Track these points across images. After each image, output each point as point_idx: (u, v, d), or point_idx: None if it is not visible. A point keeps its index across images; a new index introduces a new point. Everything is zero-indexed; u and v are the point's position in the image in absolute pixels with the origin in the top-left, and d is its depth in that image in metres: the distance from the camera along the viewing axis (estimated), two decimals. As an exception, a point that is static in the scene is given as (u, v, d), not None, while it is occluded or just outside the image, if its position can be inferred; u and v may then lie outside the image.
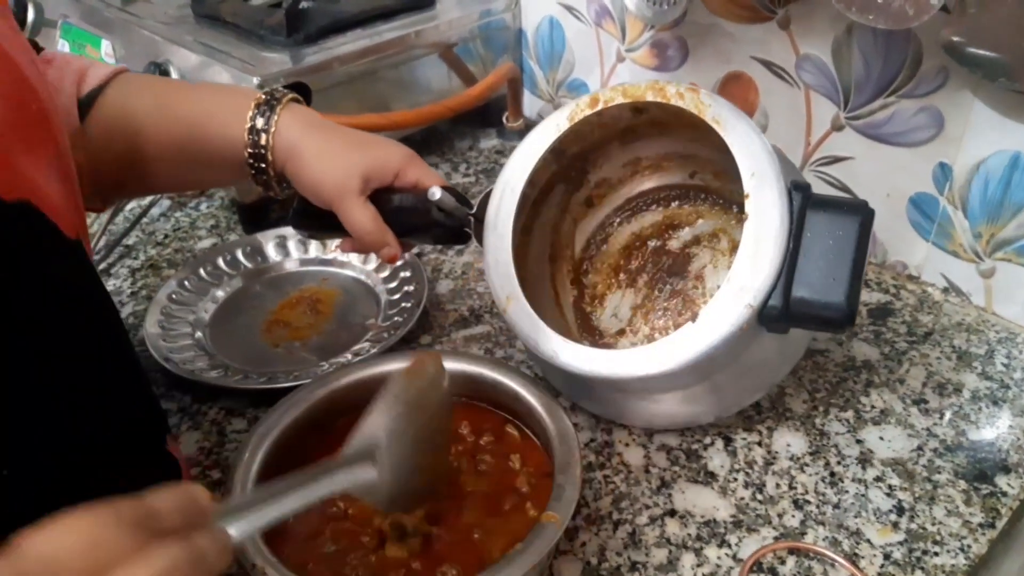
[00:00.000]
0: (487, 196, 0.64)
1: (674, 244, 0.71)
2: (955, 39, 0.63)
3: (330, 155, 0.60)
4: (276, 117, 0.59)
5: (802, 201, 0.54)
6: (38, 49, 0.56)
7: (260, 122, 0.59)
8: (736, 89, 0.87)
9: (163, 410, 0.61)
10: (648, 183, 0.72)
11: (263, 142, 0.59)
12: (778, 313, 0.52)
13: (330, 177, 0.60)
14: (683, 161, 0.70)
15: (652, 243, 0.72)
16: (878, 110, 0.76)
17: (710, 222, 0.70)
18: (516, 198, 0.63)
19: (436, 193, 0.61)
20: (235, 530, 0.34)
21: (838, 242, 0.53)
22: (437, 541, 0.50)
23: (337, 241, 0.84)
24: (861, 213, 0.53)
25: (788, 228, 0.53)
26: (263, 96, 0.60)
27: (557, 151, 0.65)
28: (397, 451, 0.43)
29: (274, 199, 0.90)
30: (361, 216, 0.60)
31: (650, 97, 0.60)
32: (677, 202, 0.71)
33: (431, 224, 0.64)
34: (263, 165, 0.60)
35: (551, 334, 0.58)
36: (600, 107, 0.62)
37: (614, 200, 0.73)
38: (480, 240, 0.64)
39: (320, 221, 0.63)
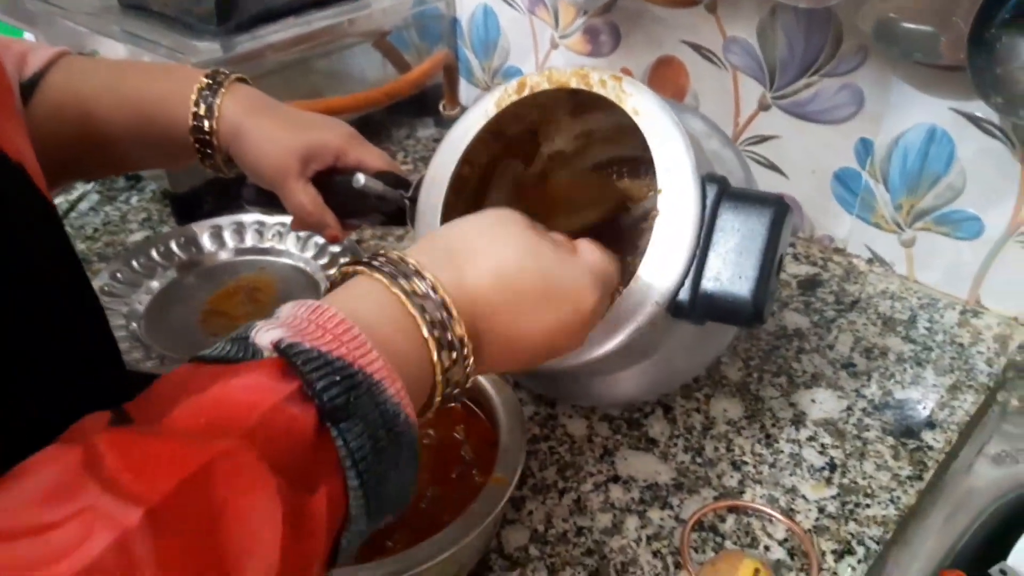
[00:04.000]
0: (421, 180, 0.65)
1: (626, 220, 0.72)
2: (890, 15, 0.65)
3: (270, 138, 0.60)
4: (219, 101, 0.59)
5: (716, 195, 0.53)
6: None
7: (203, 108, 0.59)
8: (667, 73, 0.89)
9: (131, 381, 0.60)
10: (602, 155, 0.72)
11: (207, 127, 0.59)
12: (686, 309, 0.52)
13: (270, 160, 0.59)
14: (636, 133, 0.71)
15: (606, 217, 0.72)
16: (802, 89, 0.79)
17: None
18: (446, 182, 0.63)
19: (360, 180, 0.61)
20: None
21: (747, 237, 0.52)
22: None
23: (275, 227, 0.84)
24: (772, 207, 0.52)
25: (699, 225, 0.52)
26: (206, 80, 0.60)
27: (495, 132, 0.65)
28: None
29: (207, 190, 0.90)
30: (301, 198, 0.60)
31: (574, 84, 0.61)
32: (628, 176, 0.72)
33: (370, 207, 0.64)
34: (209, 150, 0.60)
35: None
36: (527, 92, 0.63)
37: (568, 173, 0.73)
38: (413, 223, 0.64)
39: (269, 197, 0.63)
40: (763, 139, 0.84)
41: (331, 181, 0.63)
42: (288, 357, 0.30)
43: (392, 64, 1.05)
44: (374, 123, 1.09)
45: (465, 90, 1.13)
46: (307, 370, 0.30)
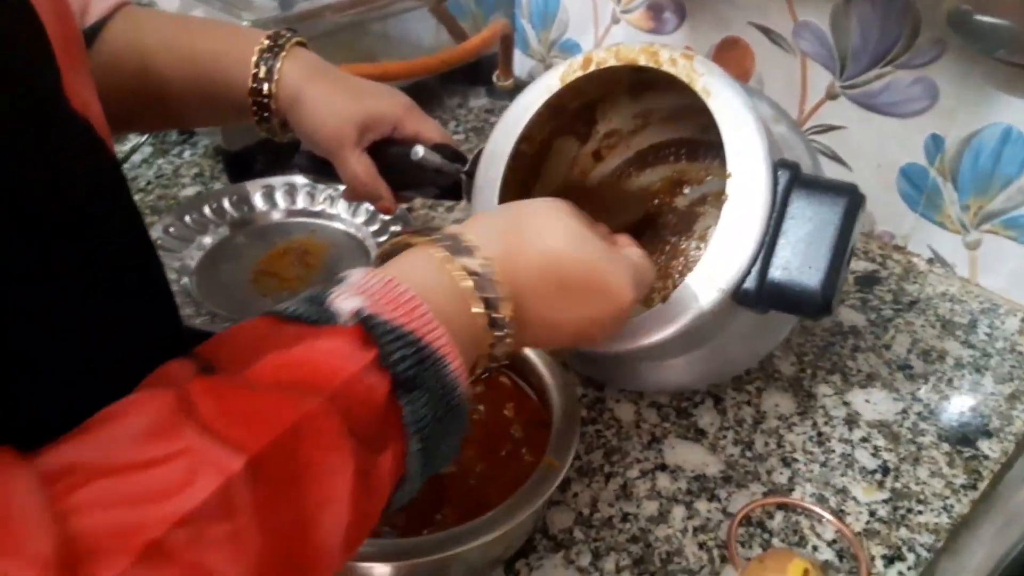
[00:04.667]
0: (479, 154, 0.64)
1: (680, 202, 0.70)
2: (963, 7, 0.63)
3: (328, 105, 0.59)
4: (279, 64, 0.58)
5: (788, 181, 0.51)
6: None
7: (263, 70, 0.58)
8: (732, 55, 0.87)
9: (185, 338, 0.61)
10: (659, 136, 0.71)
11: (266, 90, 0.58)
12: (752, 297, 0.50)
13: (328, 128, 0.59)
14: (697, 114, 0.69)
15: (659, 199, 0.71)
16: (873, 80, 0.77)
17: (719, 181, 0.69)
18: (505, 158, 0.61)
19: (419, 152, 0.60)
20: None
21: (819, 227, 0.50)
22: (433, 486, 0.50)
23: (327, 191, 0.84)
24: (847, 196, 0.50)
25: (769, 211, 0.50)
26: (267, 41, 0.59)
27: (555, 108, 0.64)
28: None
29: (260, 149, 0.90)
30: (356, 167, 0.60)
31: (643, 61, 0.59)
32: (687, 159, 0.71)
33: (425, 180, 0.63)
34: (266, 113, 0.59)
35: None
36: (592, 68, 0.61)
37: (623, 152, 0.71)
38: (470, 198, 0.63)
39: (322, 167, 0.63)
40: (828, 129, 0.82)
41: (387, 152, 0.62)
42: (368, 327, 0.32)
43: (447, 31, 1.03)
44: (427, 91, 1.08)
45: (519, 61, 1.11)
46: (385, 342, 0.32)
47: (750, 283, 0.50)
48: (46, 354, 0.33)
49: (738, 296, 0.50)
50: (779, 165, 0.52)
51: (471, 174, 0.63)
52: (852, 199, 0.50)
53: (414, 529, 0.48)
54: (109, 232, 0.43)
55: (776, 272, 0.50)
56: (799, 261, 0.50)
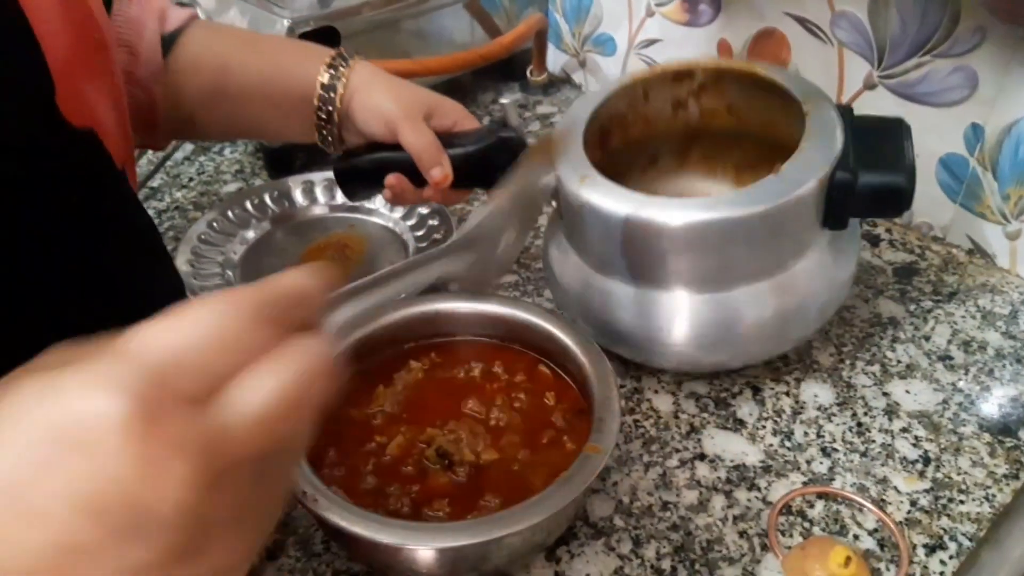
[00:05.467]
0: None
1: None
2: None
3: (398, 88, 0.63)
4: (346, 72, 0.62)
5: (849, 112, 0.61)
6: None
7: (331, 75, 0.62)
8: (768, 46, 0.87)
9: None
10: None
11: (333, 93, 0.62)
12: (846, 186, 0.56)
13: (398, 101, 0.62)
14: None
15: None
16: (912, 69, 0.76)
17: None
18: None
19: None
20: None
21: (886, 138, 0.59)
22: (477, 472, 0.51)
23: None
24: (896, 120, 0.61)
25: (844, 124, 0.58)
26: (333, 53, 0.63)
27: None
28: (501, 237, 0.44)
29: (299, 147, 0.91)
30: (422, 134, 0.62)
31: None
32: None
33: (481, 167, 0.63)
34: (329, 123, 0.63)
35: (631, 193, 0.57)
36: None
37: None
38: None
39: (363, 174, 0.64)
40: (865, 120, 0.81)
41: (445, 141, 0.63)
42: None
43: (481, 26, 1.04)
44: (460, 87, 1.09)
45: (552, 56, 1.12)
46: None
47: (842, 175, 0.56)
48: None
49: (834, 184, 0.56)
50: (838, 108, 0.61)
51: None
52: (901, 121, 0.60)
53: (458, 515, 0.49)
54: (112, 227, 0.44)
55: (863, 170, 0.56)
56: (881, 161, 0.57)
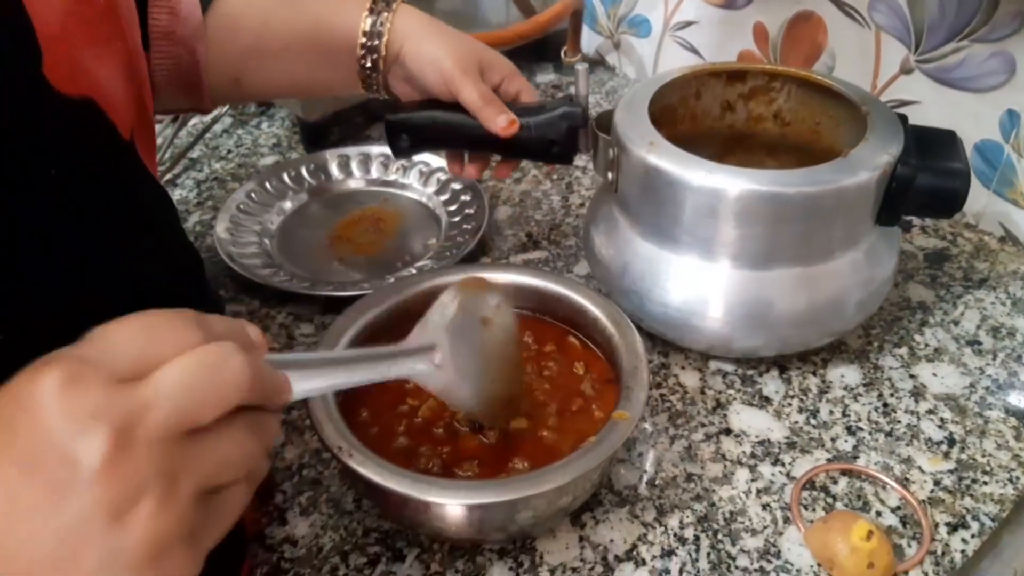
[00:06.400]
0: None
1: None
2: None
3: (450, 38, 0.62)
4: (389, 19, 0.61)
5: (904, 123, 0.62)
6: None
7: (371, 23, 0.61)
8: (804, 29, 0.86)
9: (222, 309, 0.62)
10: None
11: (377, 40, 0.61)
12: (909, 176, 0.57)
13: (453, 54, 0.61)
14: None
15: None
16: (950, 54, 0.76)
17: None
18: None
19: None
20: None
21: (940, 142, 0.61)
22: (507, 437, 0.52)
23: (399, 164, 0.86)
24: (949, 132, 0.63)
25: (902, 124, 0.60)
26: (374, 2, 0.62)
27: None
28: (460, 352, 0.44)
29: (335, 120, 0.93)
30: (481, 87, 0.61)
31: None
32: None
33: (538, 139, 0.64)
34: (374, 71, 0.62)
35: (700, 160, 0.58)
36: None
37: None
38: (596, 131, 0.64)
39: (414, 130, 0.64)
40: (901, 104, 0.81)
41: None
42: None
43: (516, 5, 1.05)
44: (495, 65, 1.09)
45: (586, 37, 1.12)
46: None
47: (904, 169, 0.58)
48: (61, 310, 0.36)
49: (896, 175, 0.57)
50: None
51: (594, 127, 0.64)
52: (955, 133, 0.63)
53: (487, 477, 0.50)
54: (114, 198, 0.43)
55: (922, 167, 0.58)
56: (940, 163, 0.59)
